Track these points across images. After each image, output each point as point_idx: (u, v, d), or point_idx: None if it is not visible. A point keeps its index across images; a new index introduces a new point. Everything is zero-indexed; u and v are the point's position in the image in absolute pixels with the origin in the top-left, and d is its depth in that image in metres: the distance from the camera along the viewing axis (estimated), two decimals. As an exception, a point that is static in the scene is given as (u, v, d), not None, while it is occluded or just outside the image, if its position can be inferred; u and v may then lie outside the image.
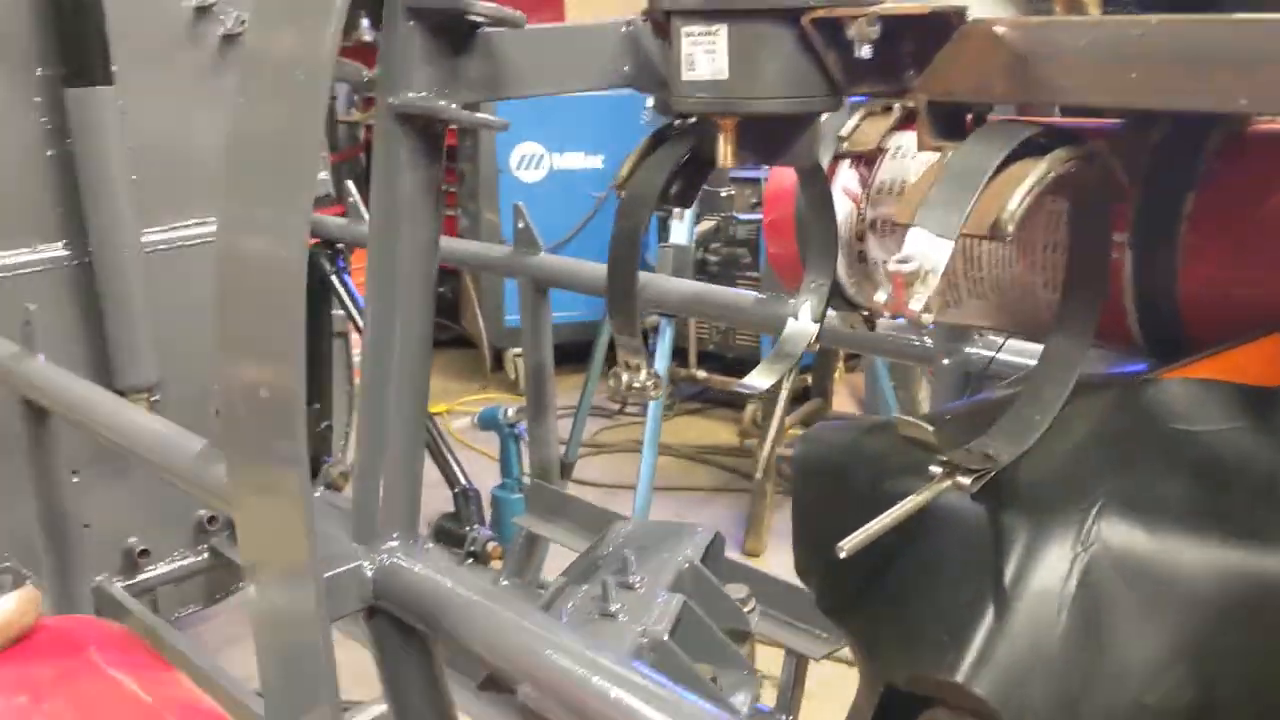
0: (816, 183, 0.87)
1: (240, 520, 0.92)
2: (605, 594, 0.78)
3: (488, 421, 3.09)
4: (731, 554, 3.29)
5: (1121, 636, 0.69)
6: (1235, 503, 0.68)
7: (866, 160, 0.97)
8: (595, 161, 4.64)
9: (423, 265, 0.80)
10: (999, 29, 0.67)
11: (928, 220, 0.63)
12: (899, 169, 0.95)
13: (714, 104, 0.69)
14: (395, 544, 0.84)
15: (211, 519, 2.33)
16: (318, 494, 2.30)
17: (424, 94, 0.78)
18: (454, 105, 0.78)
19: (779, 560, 3.21)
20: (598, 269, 1.78)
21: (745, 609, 0.86)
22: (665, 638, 0.76)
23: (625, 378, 0.78)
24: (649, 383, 0.79)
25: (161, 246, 2.26)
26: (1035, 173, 0.66)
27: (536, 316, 1.81)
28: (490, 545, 2.00)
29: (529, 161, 4.64)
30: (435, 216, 0.81)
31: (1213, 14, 0.63)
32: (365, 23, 4.67)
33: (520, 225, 1.81)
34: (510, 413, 2.99)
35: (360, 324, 2.38)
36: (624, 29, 0.85)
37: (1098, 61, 0.63)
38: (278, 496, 0.87)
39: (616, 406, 4.24)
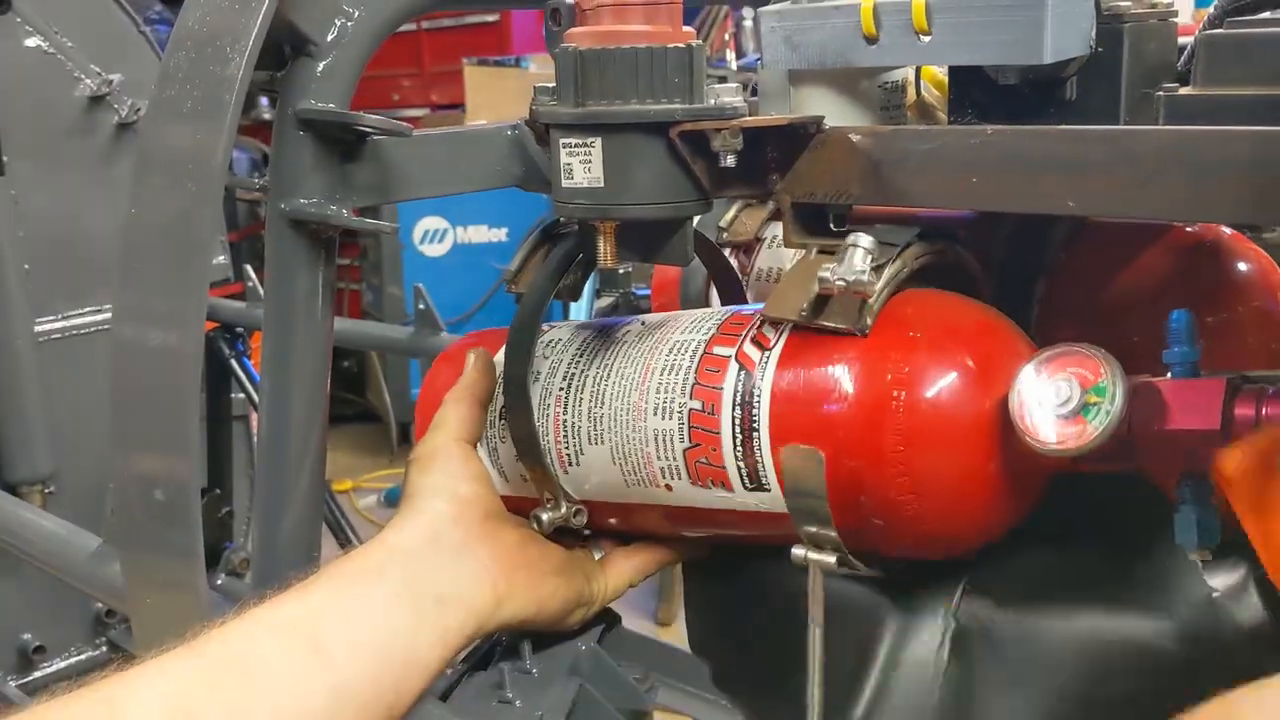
0: (717, 261, 0.92)
1: (136, 616, 0.92)
2: (502, 681, 0.80)
3: (395, 499, 3.08)
4: (644, 622, 3.30)
5: (994, 707, 0.73)
6: (1087, 569, 0.73)
7: (745, 249, 1.02)
8: (499, 234, 4.67)
9: (315, 364, 0.83)
10: (854, 136, 0.72)
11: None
12: (775, 257, 1.01)
13: (592, 210, 0.73)
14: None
15: (109, 612, 2.28)
16: (220, 581, 2.28)
17: (315, 200, 0.81)
18: (345, 211, 0.81)
19: (690, 627, 3.23)
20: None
21: (643, 688, 0.88)
22: (562, 723, 0.78)
23: (545, 518, 0.81)
24: (570, 511, 0.81)
25: (55, 335, 2.23)
26: (892, 268, 0.71)
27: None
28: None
29: (432, 236, 4.65)
30: (328, 313, 0.83)
31: (1042, 125, 0.69)
32: (264, 101, 4.67)
33: (421, 306, 1.84)
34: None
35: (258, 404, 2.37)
36: (509, 133, 0.88)
37: (942, 167, 0.69)
38: (173, 591, 0.88)
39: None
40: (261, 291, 2.18)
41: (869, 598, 0.78)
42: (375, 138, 0.82)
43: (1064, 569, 0.72)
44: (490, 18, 4.99)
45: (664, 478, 0.75)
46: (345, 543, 2.47)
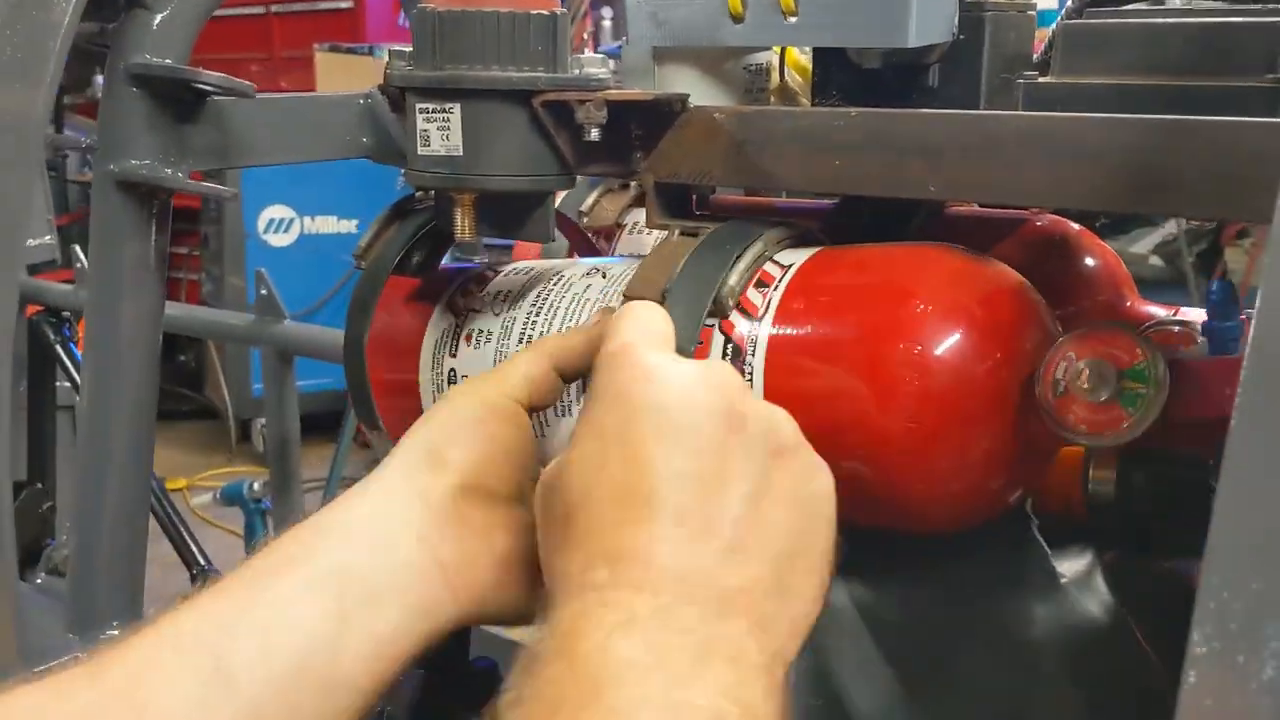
0: (578, 238, 0.90)
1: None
2: None
3: (231, 497, 2.94)
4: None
5: (851, 690, 0.73)
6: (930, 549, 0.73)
7: (606, 234, 1.01)
8: (349, 226, 4.55)
9: (145, 341, 0.77)
10: (717, 115, 0.71)
11: (674, 311, 0.66)
12: (636, 243, 0.99)
13: (449, 180, 0.70)
14: (116, 633, 0.79)
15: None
16: (39, 580, 2.14)
17: (147, 162, 0.75)
18: (180, 174, 0.76)
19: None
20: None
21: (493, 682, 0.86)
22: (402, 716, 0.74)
23: None
24: None
25: None
26: (751, 253, 0.70)
27: (281, 386, 1.76)
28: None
29: (278, 225, 4.50)
30: (159, 289, 0.78)
31: (906, 109, 0.69)
32: (99, 79, 4.45)
33: (263, 292, 1.76)
34: (255, 487, 2.87)
35: None
36: (361, 101, 0.85)
37: (805, 150, 0.68)
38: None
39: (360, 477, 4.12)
40: (91, 273, 2.07)
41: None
42: (215, 98, 0.77)
43: (908, 549, 0.72)
44: (344, 4, 4.88)
45: None
46: (178, 544, 2.36)
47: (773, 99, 0.79)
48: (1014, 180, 0.61)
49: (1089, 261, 0.82)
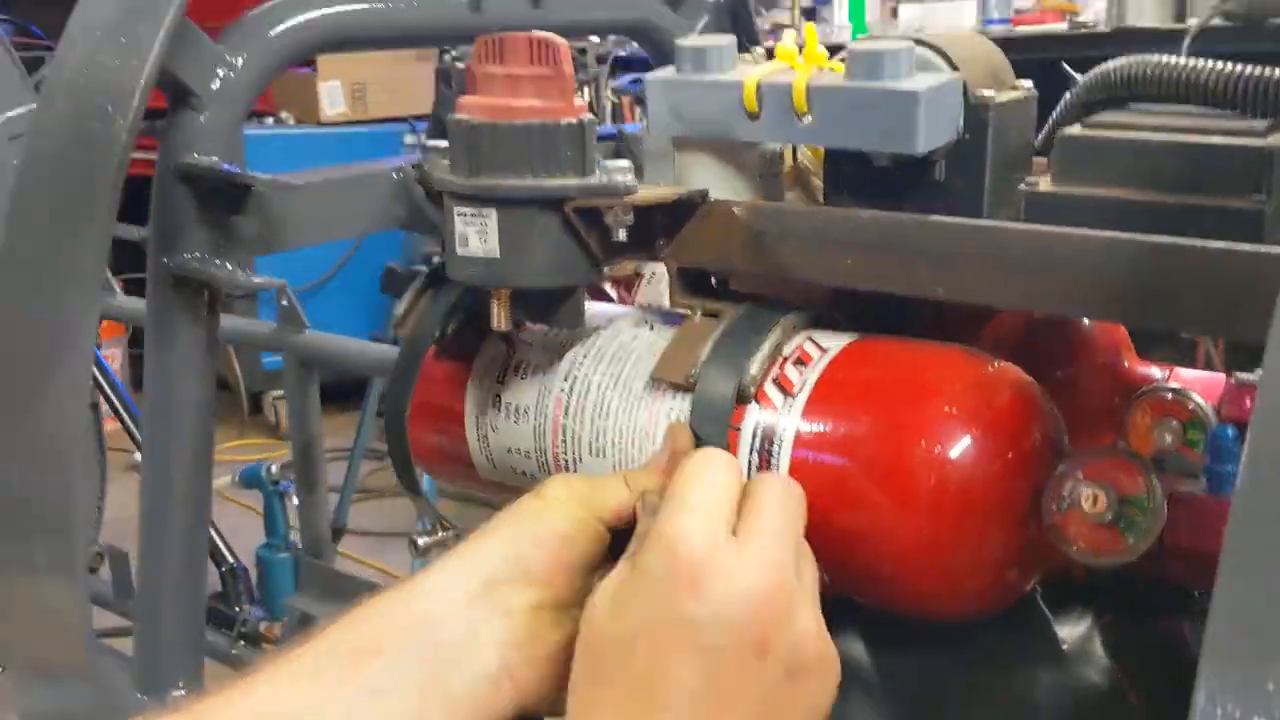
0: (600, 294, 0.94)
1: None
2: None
3: (250, 480, 2.99)
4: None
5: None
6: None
7: (626, 284, 1.05)
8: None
9: (200, 423, 0.82)
10: (736, 210, 0.76)
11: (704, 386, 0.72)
12: (655, 293, 1.03)
13: (488, 278, 0.75)
14: (182, 693, 0.85)
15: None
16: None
17: (198, 255, 0.80)
18: (229, 266, 0.80)
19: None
20: (368, 349, 1.80)
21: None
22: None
23: (422, 543, 0.82)
24: (449, 534, 0.83)
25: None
26: (771, 339, 0.74)
27: (304, 396, 1.81)
28: (263, 626, 1.97)
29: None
30: (210, 373, 0.83)
31: (914, 202, 0.73)
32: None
33: (284, 303, 1.81)
34: (274, 470, 2.92)
35: (108, 394, 2.29)
36: (395, 175, 0.89)
37: (819, 246, 0.73)
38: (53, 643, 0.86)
39: (384, 448, 4.17)
40: (112, 279, 2.11)
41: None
42: (259, 189, 0.82)
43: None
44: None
45: None
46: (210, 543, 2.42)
47: (786, 179, 0.83)
48: (1017, 288, 0.66)
49: (1086, 323, 0.86)
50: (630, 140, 0.97)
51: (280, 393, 4.44)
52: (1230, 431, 0.64)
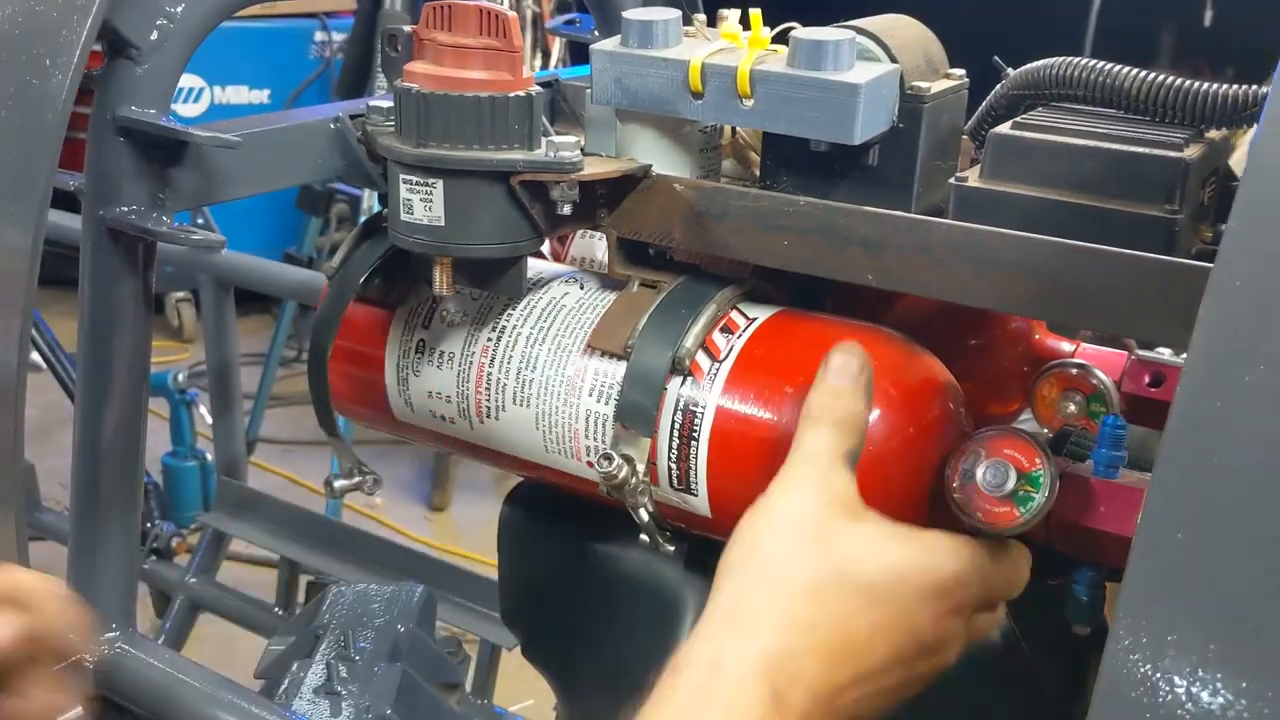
0: None
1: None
2: (330, 675, 0.84)
3: (156, 388, 2.97)
4: (418, 507, 3.35)
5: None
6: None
7: (560, 236, 1.06)
8: (261, 96, 4.43)
9: (135, 373, 0.82)
10: (679, 187, 0.78)
11: (640, 358, 0.75)
12: (587, 247, 1.05)
13: (431, 246, 0.76)
14: (115, 634, 0.86)
15: None
16: None
17: (135, 207, 0.79)
18: (166, 219, 0.80)
19: (463, 513, 3.32)
20: (286, 271, 1.78)
21: (456, 660, 0.95)
22: (388, 710, 0.84)
23: (339, 485, 0.84)
24: (367, 478, 0.85)
25: None
26: (708, 311, 0.77)
27: (220, 317, 1.79)
28: (174, 541, 1.97)
29: (187, 95, 4.36)
30: (147, 324, 0.83)
31: (848, 187, 0.76)
32: None
33: (199, 222, 1.77)
34: (180, 378, 2.88)
35: (44, 353, 2.23)
36: (332, 125, 0.88)
37: (757, 227, 0.75)
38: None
39: (294, 354, 4.12)
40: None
41: (674, 576, 0.86)
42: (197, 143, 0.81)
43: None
44: None
45: (588, 455, 0.77)
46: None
47: (726, 153, 0.85)
48: (942, 279, 0.70)
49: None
50: (566, 90, 0.98)
51: (183, 294, 4.35)
52: (1119, 422, 0.70)
